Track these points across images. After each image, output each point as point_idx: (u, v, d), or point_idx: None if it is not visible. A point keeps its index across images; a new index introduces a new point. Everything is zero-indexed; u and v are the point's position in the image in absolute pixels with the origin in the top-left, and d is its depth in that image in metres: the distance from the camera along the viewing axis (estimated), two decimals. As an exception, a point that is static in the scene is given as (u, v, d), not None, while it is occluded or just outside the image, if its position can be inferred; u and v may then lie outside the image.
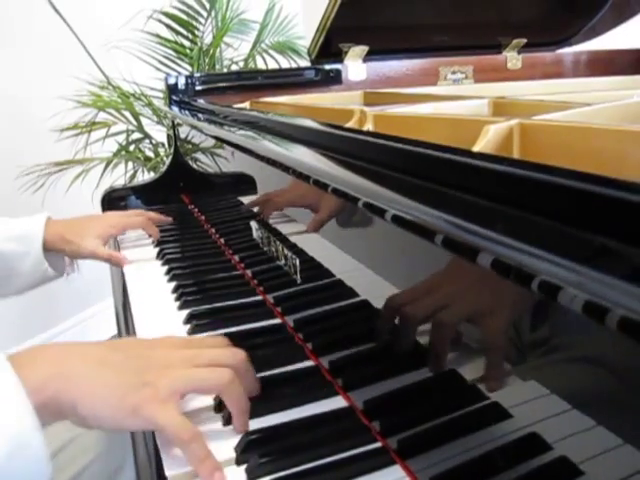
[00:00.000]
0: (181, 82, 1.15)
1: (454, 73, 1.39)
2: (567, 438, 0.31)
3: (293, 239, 0.57)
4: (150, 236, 0.95)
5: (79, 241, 0.84)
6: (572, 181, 0.27)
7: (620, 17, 1.43)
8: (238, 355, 0.46)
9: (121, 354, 0.43)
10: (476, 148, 0.54)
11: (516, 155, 0.56)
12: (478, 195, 0.31)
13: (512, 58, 1.43)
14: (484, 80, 1.36)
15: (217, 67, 1.71)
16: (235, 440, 0.42)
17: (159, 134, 1.68)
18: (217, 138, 0.84)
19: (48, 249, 0.84)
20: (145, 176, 1.64)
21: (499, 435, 0.35)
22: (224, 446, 0.42)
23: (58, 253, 0.86)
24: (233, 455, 0.41)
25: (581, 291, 0.23)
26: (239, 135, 0.66)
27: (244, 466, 0.40)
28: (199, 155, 1.11)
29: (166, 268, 0.80)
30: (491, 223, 0.29)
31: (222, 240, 0.88)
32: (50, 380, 0.39)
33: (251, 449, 0.40)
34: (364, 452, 0.39)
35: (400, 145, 0.41)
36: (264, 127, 0.65)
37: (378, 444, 0.40)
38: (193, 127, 1.01)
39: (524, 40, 1.40)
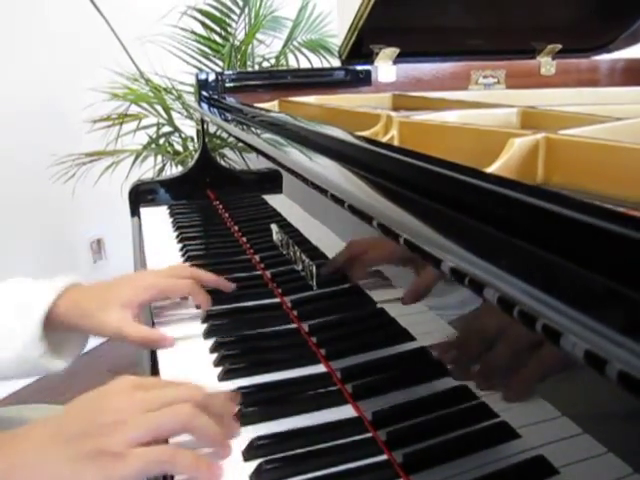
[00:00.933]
0: (211, 79, 1.16)
1: (486, 77, 1.37)
2: (575, 463, 0.30)
3: (311, 245, 0.58)
4: (197, 307, 0.67)
5: (101, 314, 0.60)
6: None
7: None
8: (193, 390, 0.43)
9: (67, 425, 0.41)
10: (499, 162, 0.53)
11: (540, 171, 0.56)
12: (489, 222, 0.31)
13: (546, 64, 1.41)
14: (516, 85, 1.34)
15: (248, 64, 1.72)
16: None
17: (189, 129, 1.70)
18: (241, 140, 0.85)
19: (58, 328, 0.61)
20: (173, 170, 1.66)
21: (505, 455, 0.35)
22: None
23: (74, 331, 0.64)
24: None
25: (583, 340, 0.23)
26: (263, 140, 0.67)
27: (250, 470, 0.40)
28: (226, 151, 1.12)
29: (188, 265, 0.81)
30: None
31: (244, 239, 0.89)
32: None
33: (257, 454, 0.41)
34: (369, 464, 0.39)
35: (427, 165, 0.40)
36: (290, 132, 0.65)
37: (384, 457, 0.40)
38: (220, 126, 1.02)
39: (559, 46, 1.38)
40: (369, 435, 0.43)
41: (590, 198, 0.49)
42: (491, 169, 0.52)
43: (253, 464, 0.41)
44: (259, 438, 0.43)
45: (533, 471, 0.34)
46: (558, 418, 0.31)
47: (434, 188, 0.38)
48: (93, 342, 0.68)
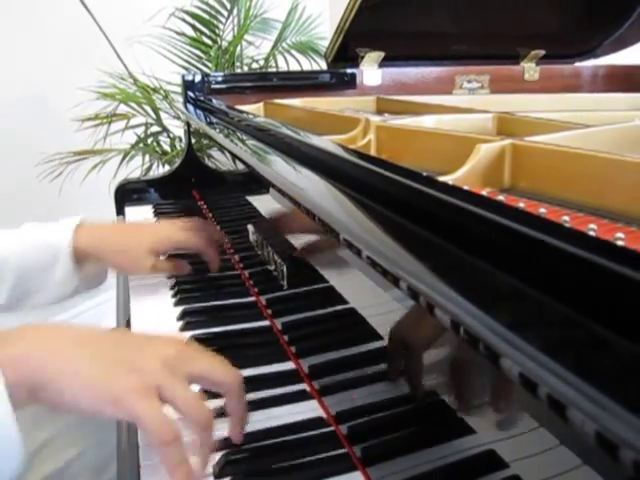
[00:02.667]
0: (197, 80, 1.17)
1: (470, 82, 1.39)
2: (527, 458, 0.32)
3: (287, 245, 0.59)
4: (205, 262, 0.75)
5: (130, 250, 0.70)
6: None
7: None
8: (234, 377, 0.43)
9: (112, 340, 0.42)
10: (466, 167, 0.55)
11: (507, 176, 0.57)
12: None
13: (530, 69, 1.43)
14: (500, 90, 1.36)
15: (237, 65, 1.73)
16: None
17: (177, 129, 1.71)
18: (222, 147, 0.86)
19: (82, 258, 0.70)
20: (160, 169, 1.67)
21: (459, 450, 0.37)
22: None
23: (98, 263, 0.73)
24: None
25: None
26: (244, 149, 0.68)
27: None
28: (213, 151, 1.13)
29: (168, 264, 0.82)
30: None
31: (226, 239, 0.90)
32: (28, 356, 0.38)
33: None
34: (330, 457, 0.41)
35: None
36: (273, 139, 0.66)
37: (344, 450, 0.42)
38: (203, 130, 1.04)
39: (542, 52, 1.40)
40: (331, 429, 0.44)
41: (554, 203, 0.51)
42: (458, 174, 0.54)
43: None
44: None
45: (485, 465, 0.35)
46: (513, 414, 0.32)
47: (411, 204, 0.39)
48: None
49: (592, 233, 0.39)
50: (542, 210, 0.45)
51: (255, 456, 0.42)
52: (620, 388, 0.21)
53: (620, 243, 0.37)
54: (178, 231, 0.74)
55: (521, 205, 0.47)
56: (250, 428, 0.44)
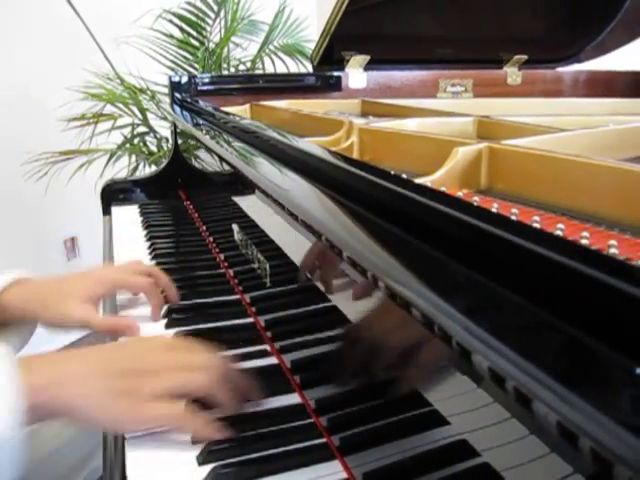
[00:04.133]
0: (184, 81, 1.18)
1: (454, 86, 1.41)
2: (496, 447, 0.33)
3: (270, 245, 0.61)
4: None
5: (62, 306, 0.62)
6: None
7: (632, 34, 1.44)
8: (219, 360, 0.49)
9: (114, 362, 0.47)
10: (443, 169, 0.57)
11: (483, 178, 0.59)
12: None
13: (512, 74, 1.45)
14: (483, 94, 1.38)
15: (224, 67, 1.75)
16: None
17: (164, 129, 1.72)
18: (208, 148, 0.87)
19: (9, 320, 0.63)
20: (147, 170, 1.68)
21: (434, 440, 0.38)
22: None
23: (27, 323, 0.65)
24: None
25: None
26: (231, 152, 0.69)
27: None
28: (200, 152, 1.14)
29: (154, 263, 0.83)
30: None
31: (211, 238, 0.92)
32: (48, 387, 0.43)
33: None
34: (309, 446, 0.43)
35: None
36: (259, 142, 0.67)
37: (323, 440, 0.44)
38: (189, 131, 1.05)
39: (525, 57, 1.43)
40: (311, 421, 0.46)
41: (528, 204, 0.53)
42: (435, 176, 0.56)
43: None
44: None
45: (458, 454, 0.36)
46: (487, 405, 0.34)
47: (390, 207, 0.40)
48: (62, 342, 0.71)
49: (559, 232, 0.41)
50: (514, 210, 0.47)
51: (236, 446, 0.44)
52: (582, 383, 0.22)
53: (584, 242, 0.39)
54: (119, 273, 0.68)
55: (495, 206, 0.49)
56: (233, 419, 0.46)
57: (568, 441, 0.22)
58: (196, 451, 0.44)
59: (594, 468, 0.21)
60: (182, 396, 0.46)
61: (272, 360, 0.55)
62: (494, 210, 0.47)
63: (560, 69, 1.50)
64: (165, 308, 0.67)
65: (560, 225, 0.42)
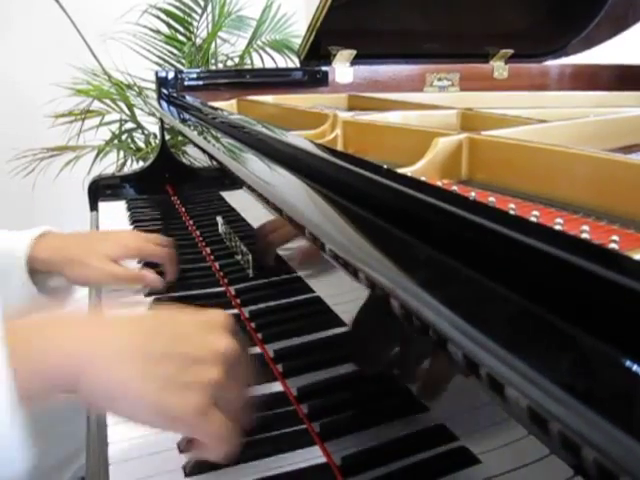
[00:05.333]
0: (171, 77, 1.18)
1: (440, 80, 1.42)
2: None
3: (250, 236, 0.61)
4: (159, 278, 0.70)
5: (88, 260, 0.65)
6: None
7: (618, 28, 1.45)
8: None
9: (151, 340, 0.38)
10: (424, 160, 0.57)
11: (464, 168, 0.60)
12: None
13: (499, 68, 1.46)
14: (470, 88, 1.39)
15: (212, 62, 1.74)
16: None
17: (152, 125, 1.72)
18: (195, 144, 0.87)
19: (41, 270, 0.67)
20: (134, 165, 1.68)
21: (410, 425, 0.39)
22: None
23: (56, 276, 0.69)
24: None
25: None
26: (217, 148, 0.69)
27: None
28: (188, 148, 1.14)
29: (140, 257, 0.83)
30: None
31: (198, 232, 0.92)
32: (67, 362, 0.35)
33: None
34: (289, 432, 0.43)
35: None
36: (246, 136, 0.67)
37: (304, 426, 0.44)
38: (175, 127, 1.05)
39: (511, 51, 1.44)
40: (292, 408, 0.46)
41: (508, 193, 0.53)
42: (416, 166, 0.56)
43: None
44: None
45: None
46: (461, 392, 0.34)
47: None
48: None
49: (533, 219, 0.42)
50: (491, 199, 0.47)
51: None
52: (553, 368, 0.23)
53: (558, 227, 0.40)
54: (140, 239, 0.72)
55: (472, 195, 0.50)
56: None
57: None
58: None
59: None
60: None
61: (255, 350, 0.56)
62: (471, 198, 0.48)
63: (546, 63, 1.51)
64: (151, 300, 0.67)
65: (535, 212, 0.43)
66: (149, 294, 0.70)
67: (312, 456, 0.42)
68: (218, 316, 0.41)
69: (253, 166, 0.58)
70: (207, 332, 0.39)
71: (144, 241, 0.72)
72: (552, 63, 1.50)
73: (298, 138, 0.55)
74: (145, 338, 0.38)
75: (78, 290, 0.74)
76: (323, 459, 0.42)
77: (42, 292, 0.67)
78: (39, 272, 0.66)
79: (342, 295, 0.45)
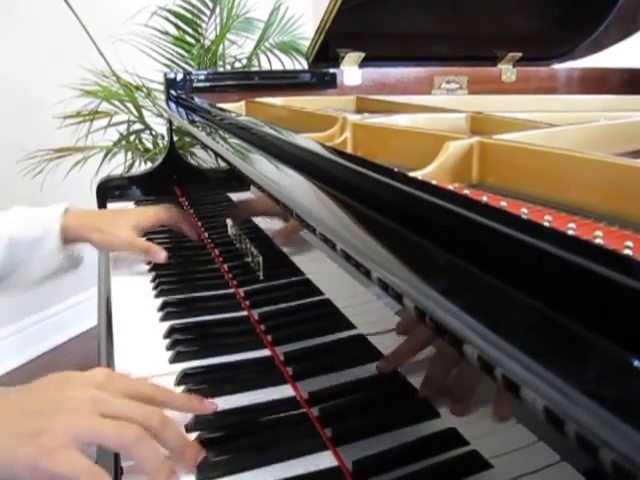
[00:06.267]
0: (180, 78, 1.19)
1: (448, 83, 1.42)
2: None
3: (264, 239, 0.61)
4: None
5: (114, 230, 0.78)
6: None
7: (627, 31, 1.45)
8: (153, 413, 0.42)
9: (24, 401, 0.42)
10: (435, 163, 0.57)
11: (475, 172, 0.60)
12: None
13: (507, 71, 1.46)
14: (478, 91, 1.39)
15: (220, 64, 1.75)
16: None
17: (160, 126, 1.72)
18: (204, 144, 0.87)
19: (69, 238, 0.78)
20: (142, 167, 1.68)
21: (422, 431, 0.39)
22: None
23: (81, 242, 0.81)
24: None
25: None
26: (226, 148, 0.69)
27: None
28: (196, 149, 1.14)
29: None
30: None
31: (206, 234, 0.92)
32: None
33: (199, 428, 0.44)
34: (300, 434, 0.43)
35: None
36: (255, 138, 0.67)
37: (315, 430, 0.44)
38: (184, 128, 1.05)
39: (519, 54, 1.43)
40: (303, 411, 0.46)
41: (519, 197, 0.53)
42: (427, 170, 0.56)
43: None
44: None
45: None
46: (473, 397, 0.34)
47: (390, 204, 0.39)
48: (61, 337, 0.76)
49: (546, 224, 0.42)
50: (503, 204, 0.47)
51: (229, 436, 0.44)
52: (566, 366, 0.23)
53: (571, 232, 0.40)
54: (162, 210, 0.85)
55: (484, 199, 0.50)
56: (227, 407, 0.47)
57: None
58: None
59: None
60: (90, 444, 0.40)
61: (265, 352, 0.56)
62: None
63: (554, 66, 1.50)
64: (160, 302, 0.67)
65: (548, 217, 0.43)
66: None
67: (323, 460, 0.42)
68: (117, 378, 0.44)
69: (262, 166, 0.58)
70: (87, 387, 0.42)
71: (163, 210, 0.85)
72: (560, 66, 1.50)
73: (311, 141, 0.55)
74: (19, 400, 0.42)
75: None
76: (334, 462, 0.42)
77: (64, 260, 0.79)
78: (67, 240, 0.78)
79: (352, 298, 0.45)
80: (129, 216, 0.82)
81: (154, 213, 0.84)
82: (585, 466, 0.24)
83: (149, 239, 0.91)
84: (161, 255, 0.78)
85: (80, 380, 0.43)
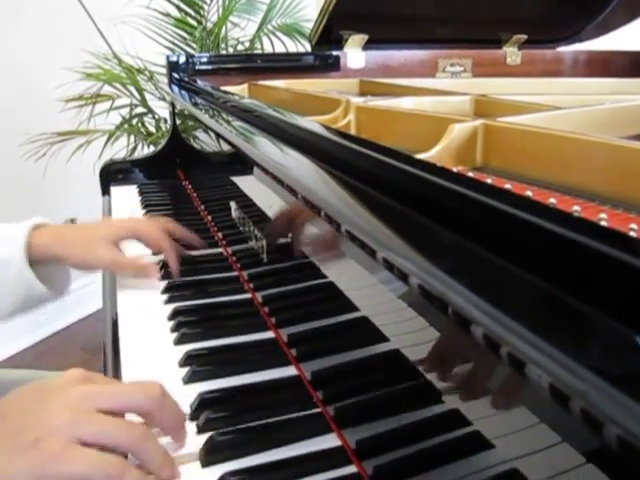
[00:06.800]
0: (182, 61, 1.18)
1: (453, 66, 1.41)
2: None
3: (267, 222, 0.62)
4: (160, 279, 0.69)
5: (92, 247, 0.66)
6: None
7: (633, 13, 1.43)
8: (152, 390, 0.39)
9: (8, 419, 0.37)
10: (439, 146, 0.57)
11: (479, 155, 0.60)
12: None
13: (512, 54, 1.45)
14: (482, 74, 1.38)
15: (222, 47, 1.74)
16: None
17: (163, 110, 1.72)
18: (207, 127, 0.87)
19: (38, 259, 0.66)
20: (145, 150, 1.68)
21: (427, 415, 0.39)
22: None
23: (54, 263, 0.68)
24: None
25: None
26: (229, 130, 0.69)
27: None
28: (199, 133, 1.14)
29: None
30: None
31: (209, 217, 0.92)
32: None
33: (204, 407, 0.45)
34: (304, 416, 0.44)
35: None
36: (258, 120, 0.67)
37: (318, 410, 0.45)
38: (188, 110, 1.05)
39: (524, 36, 1.42)
40: (307, 392, 0.47)
41: (523, 180, 0.53)
42: (431, 152, 0.56)
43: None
44: (207, 392, 0.47)
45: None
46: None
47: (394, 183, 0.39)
48: (68, 319, 0.73)
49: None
50: (508, 186, 0.47)
51: (233, 415, 0.45)
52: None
53: (576, 214, 0.40)
54: (140, 223, 0.73)
55: (488, 181, 0.49)
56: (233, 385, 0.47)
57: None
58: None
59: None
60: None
61: (269, 334, 0.56)
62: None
63: (560, 49, 1.49)
64: (165, 284, 0.68)
65: (552, 200, 0.43)
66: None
67: (326, 439, 0.42)
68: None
69: (266, 148, 0.58)
70: (69, 386, 0.38)
71: (143, 224, 0.72)
72: (566, 49, 1.48)
73: (315, 123, 0.55)
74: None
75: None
76: (337, 442, 0.42)
77: (43, 282, 0.66)
78: (39, 261, 0.66)
79: (355, 280, 0.45)
80: (102, 229, 0.70)
81: (131, 226, 0.71)
82: (585, 447, 0.24)
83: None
84: (154, 272, 0.68)
85: (58, 383, 0.39)
